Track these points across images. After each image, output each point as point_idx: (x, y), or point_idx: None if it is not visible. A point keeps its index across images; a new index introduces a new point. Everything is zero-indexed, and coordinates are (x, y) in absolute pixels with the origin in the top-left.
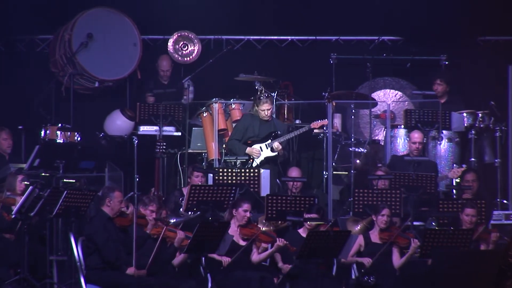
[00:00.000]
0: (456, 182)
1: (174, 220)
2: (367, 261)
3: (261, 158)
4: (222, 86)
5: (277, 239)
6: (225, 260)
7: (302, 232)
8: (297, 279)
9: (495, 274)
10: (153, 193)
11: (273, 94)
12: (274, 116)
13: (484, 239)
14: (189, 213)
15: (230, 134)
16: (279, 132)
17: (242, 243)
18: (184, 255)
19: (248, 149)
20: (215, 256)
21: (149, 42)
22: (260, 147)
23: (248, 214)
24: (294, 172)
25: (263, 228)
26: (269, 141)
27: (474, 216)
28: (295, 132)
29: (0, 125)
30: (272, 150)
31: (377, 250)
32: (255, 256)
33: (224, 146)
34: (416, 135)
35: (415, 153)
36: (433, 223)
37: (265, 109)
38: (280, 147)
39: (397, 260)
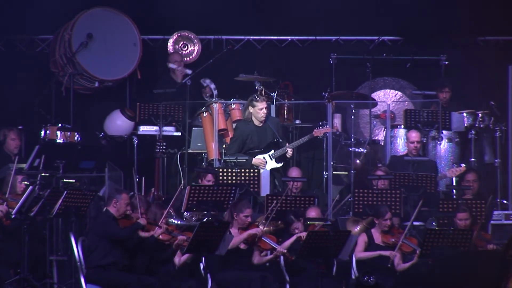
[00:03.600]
0: (455, 181)
1: (178, 222)
2: (393, 254)
3: (267, 169)
4: (222, 86)
5: (277, 246)
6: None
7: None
8: (297, 278)
9: (498, 267)
10: (153, 193)
11: (273, 94)
12: (273, 114)
13: (481, 246)
14: (193, 218)
15: (229, 137)
16: (279, 139)
17: (242, 246)
18: (187, 255)
19: (254, 161)
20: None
21: (149, 42)
22: (264, 158)
23: (249, 219)
24: (294, 172)
25: (263, 228)
26: (272, 151)
27: (467, 220)
28: (298, 141)
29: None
30: (277, 161)
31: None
32: (257, 260)
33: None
34: (414, 135)
35: (413, 152)
36: (434, 223)
37: (262, 108)
38: (291, 153)
39: (399, 264)
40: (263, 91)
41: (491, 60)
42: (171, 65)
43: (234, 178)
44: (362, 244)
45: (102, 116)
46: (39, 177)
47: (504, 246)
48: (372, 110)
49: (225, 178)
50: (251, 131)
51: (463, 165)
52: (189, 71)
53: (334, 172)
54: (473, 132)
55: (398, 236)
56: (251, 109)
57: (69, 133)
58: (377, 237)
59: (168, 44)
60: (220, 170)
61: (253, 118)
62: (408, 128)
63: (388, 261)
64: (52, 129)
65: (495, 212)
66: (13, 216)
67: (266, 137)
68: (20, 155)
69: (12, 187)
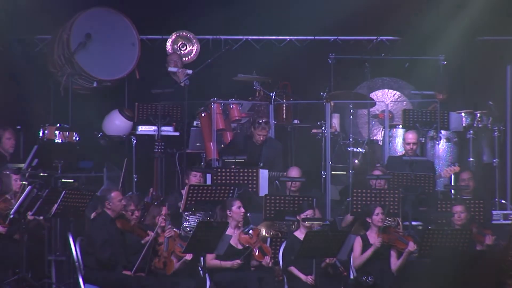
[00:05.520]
0: (453, 181)
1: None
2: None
3: None
4: (220, 86)
5: (265, 257)
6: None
7: (300, 234)
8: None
9: (496, 273)
10: (152, 193)
11: (271, 94)
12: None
13: (479, 241)
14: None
15: (228, 134)
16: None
17: (240, 246)
18: (181, 263)
19: None
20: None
21: (148, 42)
22: None
23: (242, 209)
24: (293, 172)
25: (265, 234)
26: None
27: (462, 213)
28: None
29: None
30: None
31: (376, 251)
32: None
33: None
34: (410, 136)
35: (410, 153)
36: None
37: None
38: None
39: (395, 263)
40: (261, 91)
41: (490, 60)
42: (171, 69)
43: (232, 178)
44: (359, 248)
45: (101, 116)
46: (27, 175)
47: (505, 246)
48: (370, 110)
49: (223, 178)
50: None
51: (457, 164)
52: (189, 71)
53: (332, 172)
54: (471, 132)
55: (394, 235)
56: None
57: (67, 133)
58: (373, 238)
59: (167, 44)
60: (219, 170)
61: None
62: (406, 128)
63: (388, 261)
64: (50, 129)
65: (494, 212)
66: (11, 216)
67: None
68: (18, 155)
69: (9, 187)
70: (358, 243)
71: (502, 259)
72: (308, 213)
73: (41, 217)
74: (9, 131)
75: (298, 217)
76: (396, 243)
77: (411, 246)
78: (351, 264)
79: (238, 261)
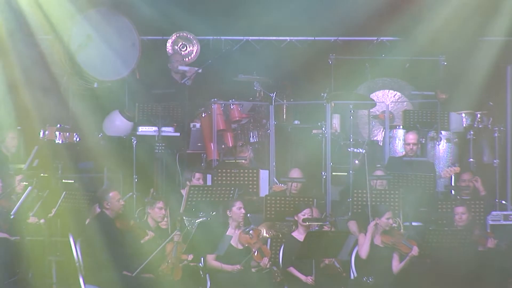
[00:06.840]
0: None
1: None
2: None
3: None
4: (221, 86)
5: (264, 259)
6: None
7: (298, 235)
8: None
9: (499, 273)
10: (152, 193)
11: (271, 95)
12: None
13: (482, 243)
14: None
15: (228, 138)
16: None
17: (240, 246)
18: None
19: None
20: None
21: (148, 43)
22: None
23: (243, 210)
24: (295, 173)
25: (265, 234)
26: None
27: (464, 214)
28: None
29: None
30: None
31: (378, 252)
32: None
33: None
34: (411, 136)
35: (410, 154)
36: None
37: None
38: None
39: (396, 265)
40: (262, 91)
41: (490, 60)
42: (181, 67)
43: (233, 178)
44: (363, 242)
45: (101, 116)
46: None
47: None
48: (371, 110)
49: (224, 178)
50: None
51: (457, 165)
52: (199, 70)
53: (333, 173)
54: (472, 132)
55: (398, 237)
56: None
57: (67, 133)
58: (376, 238)
59: (167, 44)
60: (219, 171)
61: None
62: (407, 128)
63: (388, 262)
64: (51, 130)
65: (494, 213)
66: (12, 217)
67: None
68: (18, 156)
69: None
70: (362, 238)
71: (506, 260)
72: (306, 212)
73: (42, 220)
74: (13, 131)
75: (295, 217)
76: (400, 247)
77: (415, 251)
78: (352, 263)
79: (238, 266)
